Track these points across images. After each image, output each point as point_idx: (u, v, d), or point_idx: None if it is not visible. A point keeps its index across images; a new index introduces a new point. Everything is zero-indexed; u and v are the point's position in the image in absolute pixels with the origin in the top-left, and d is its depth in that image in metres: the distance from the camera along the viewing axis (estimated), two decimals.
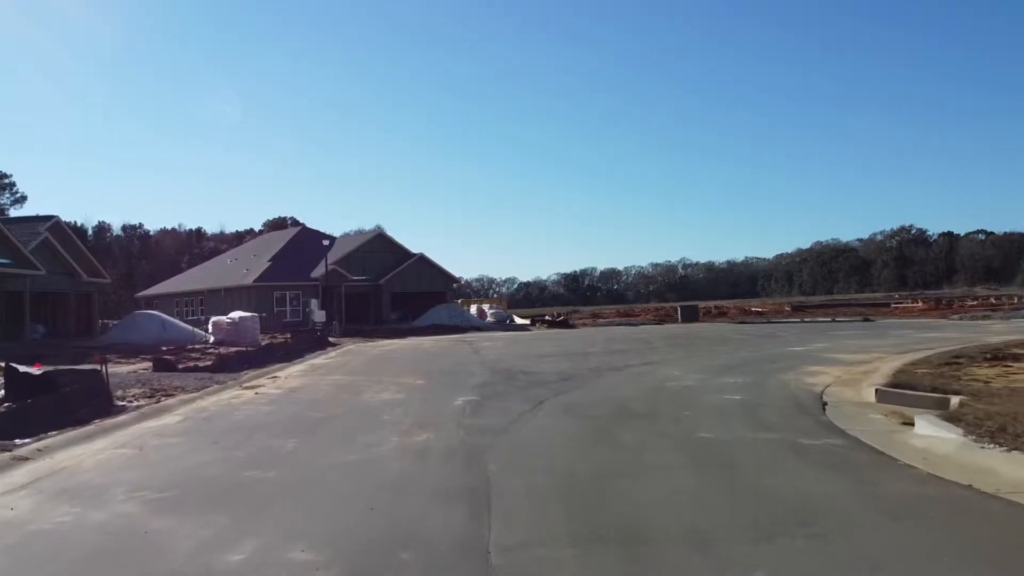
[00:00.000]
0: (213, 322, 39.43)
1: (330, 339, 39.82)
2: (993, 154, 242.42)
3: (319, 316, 46.19)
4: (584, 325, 56.66)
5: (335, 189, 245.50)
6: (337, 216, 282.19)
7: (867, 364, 18.84)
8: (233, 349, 31.53)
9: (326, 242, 46.88)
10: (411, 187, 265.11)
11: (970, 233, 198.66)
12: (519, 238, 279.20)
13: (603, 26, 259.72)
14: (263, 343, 35.43)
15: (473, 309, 62.90)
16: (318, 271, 51.39)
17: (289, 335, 38.60)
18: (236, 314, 39.05)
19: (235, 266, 62.45)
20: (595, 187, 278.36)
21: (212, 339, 38.75)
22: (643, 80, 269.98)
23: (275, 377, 20.40)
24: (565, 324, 55.39)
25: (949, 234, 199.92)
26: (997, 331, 31.26)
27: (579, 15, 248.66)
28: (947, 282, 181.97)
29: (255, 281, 53.83)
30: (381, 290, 59.34)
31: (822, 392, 14.08)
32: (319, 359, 27.54)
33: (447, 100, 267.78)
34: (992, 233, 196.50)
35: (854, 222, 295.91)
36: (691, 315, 57.81)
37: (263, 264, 56.58)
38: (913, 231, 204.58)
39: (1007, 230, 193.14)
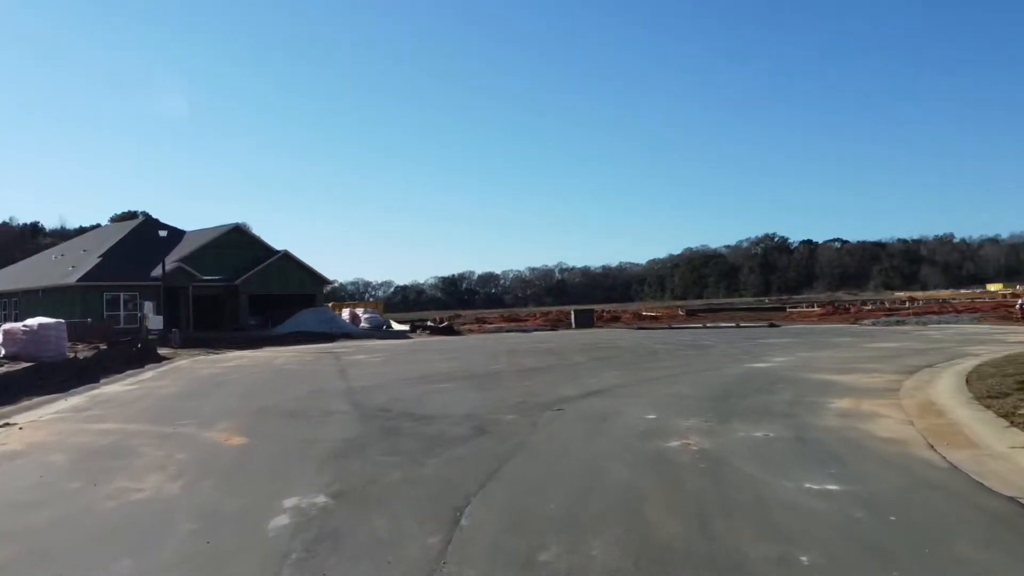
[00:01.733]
0: (4, 330, 30.14)
1: (161, 351, 31.29)
2: (846, 167, 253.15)
3: (154, 322, 37.29)
4: (471, 331, 49.77)
5: (200, 189, 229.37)
6: (204, 218, 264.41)
7: (912, 393, 12.94)
8: (21, 366, 23.20)
9: (164, 233, 37.80)
10: (282, 189, 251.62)
11: (828, 241, 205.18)
12: (396, 241, 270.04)
13: (462, 25, 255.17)
14: (71, 355, 26.92)
15: (346, 313, 54.85)
16: (161, 269, 42.26)
17: (104, 346, 29.83)
18: (34, 321, 29.85)
19: (60, 263, 51.81)
20: (472, 189, 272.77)
21: (3, 351, 29.57)
22: (518, 83, 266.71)
23: (6, 424, 12.39)
24: (450, 331, 48.34)
25: (809, 242, 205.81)
26: (953, 338, 26.72)
27: (440, 15, 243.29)
28: (807, 287, 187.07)
29: (80, 280, 43.88)
30: (238, 292, 50.36)
31: (966, 468, 7.63)
32: (119, 384, 19.47)
33: (316, 99, 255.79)
34: (847, 242, 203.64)
35: (722, 229, 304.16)
36: (586, 320, 51.96)
37: (92, 260, 46.55)
38: (776, 239, 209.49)
39: (860, 239, 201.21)
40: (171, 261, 46.53)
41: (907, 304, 59.85)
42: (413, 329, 50.04)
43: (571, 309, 60.78)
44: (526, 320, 61.47)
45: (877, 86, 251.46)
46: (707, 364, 20.33)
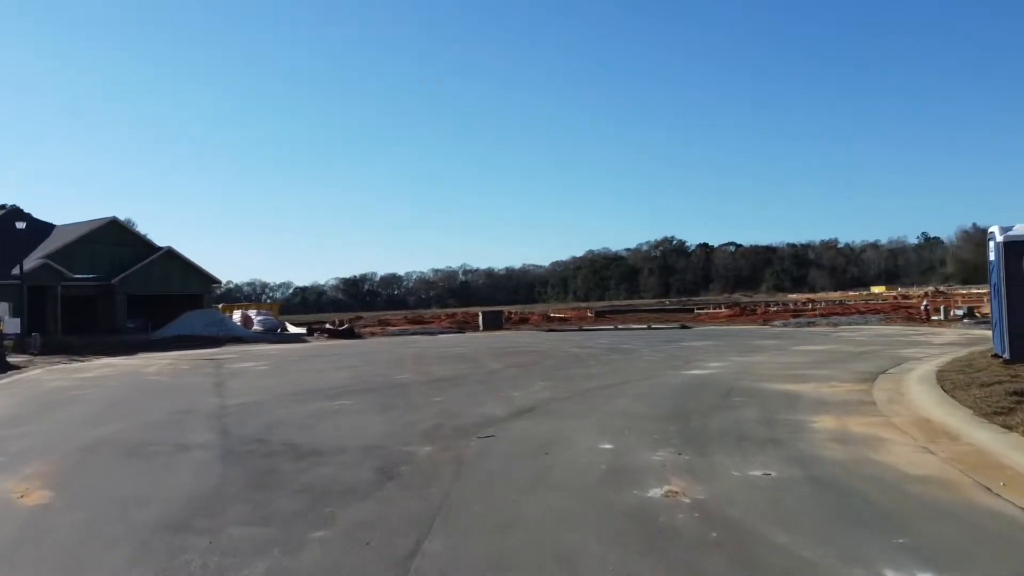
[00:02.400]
0: None
1: (14, 359, 27.00)
2: (740, 174, 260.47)
3: (10, 325, 32.57)
4: (373, 334, 46.50)
5: (81, 183, 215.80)
6: (84, 213, 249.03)
7: (893, 408, 10.94)
8: None
9: (22, 225, 33.03)
10: (172, 185, 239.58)
11: (723, 245, 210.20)
12: (295, 241, 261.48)
13: (336, 24, 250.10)
14: None
15: (237, 316, 50.63)
16: (27, 265, 37.27)
17: None
18: None
19: None
20: (373, 189, 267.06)
21: None
22: (419, 82, 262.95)
23: None
24: (350, 334, 44.95)
25: (705, 245, 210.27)
26: (876, 340, 25.55)
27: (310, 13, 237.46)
28: (704, 289, 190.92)
29: None
30: (115, 292, 45.48)
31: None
32: None
33: (209, 87, 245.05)
34: (741, 245, 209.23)
35: (623, 233, 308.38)
36: (495, 322, 49.51)
37: None
38: (675, 242, 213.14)
39: (753, 243, 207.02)
40: (37, 257, 41.49)
41: (809, 305, 60.14)
42: (310, 332, 46.37)
43: (479, 311, 58.28)
44: (431, 322, 58.56)
45: (764, 98, 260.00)
46: (640, 371, 18.12)
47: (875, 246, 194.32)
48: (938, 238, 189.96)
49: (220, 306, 57.74)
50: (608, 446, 8.68)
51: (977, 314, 40.97)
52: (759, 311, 53.96)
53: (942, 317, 39.56)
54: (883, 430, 9.39)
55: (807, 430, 9.43)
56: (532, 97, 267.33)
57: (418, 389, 15.25)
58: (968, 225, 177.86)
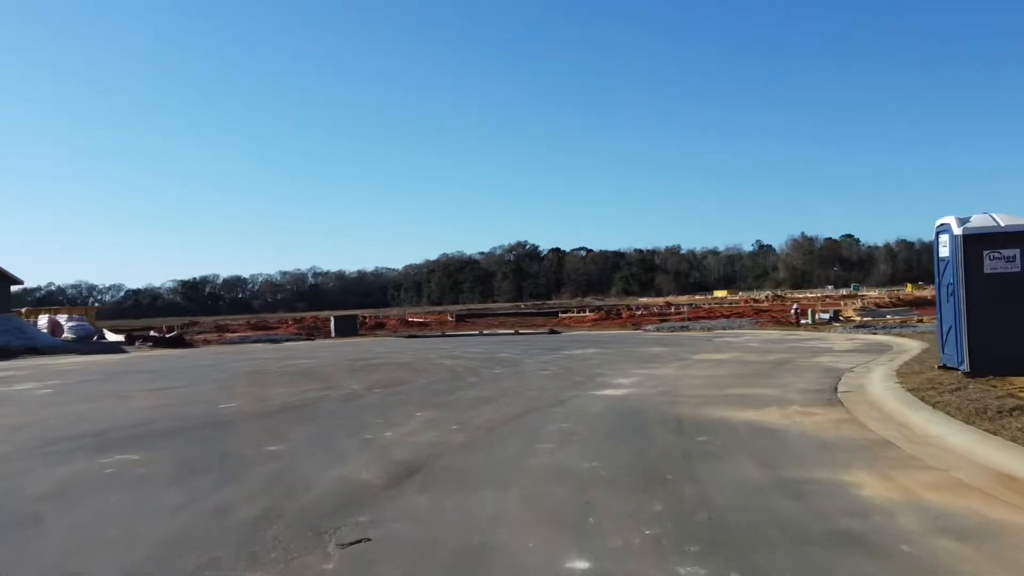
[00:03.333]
0: None
1: None
2: (591, 181, 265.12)
3: None
4: (208, 343, 40.41)
5: None
6: None
7: (933, 453, 7.69)
8: None
9: None
10: None
11: (574, 250, 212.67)
12: (129, 239, 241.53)
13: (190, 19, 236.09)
14: None
15: (43, 321, 42.90)
16: None
17: None
18: None
19: None
20: (216, 185, 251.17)
21: None
22: (263, 75, 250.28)
23: None
24: (179, 342, 38.72)
25: (557, 250, 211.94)
26: (770, 347, 23.19)
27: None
28: (556, 293, 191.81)
29: None
30: None
31: None
32: None
33: (18, 71, 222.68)
34: (591, 250, 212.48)
35: (477, 236, 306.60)
36: (349, 328, 44.55)
37: None
38: (527, 246, 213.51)
39: (602, 248, 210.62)
40: None
41: (672, 309, 59.05)
42: (131, 341, 39.63)
43: (330, 315, 52.98)
44: (277, 328, 52.63)
45: (610, 105, 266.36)
46: (542, 392, 14.38)
47: (715, 252, 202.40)
48: (771, 246, 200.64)
49: (23, 310, 49.34)
50: (582, 565, 4.75)
51: (841, 317, 40.40)
52: (624, 315, 51.98)
53: (810, 321, 38.59)
54: (964, 494, 6.04)
55: (868, 508, 5.88)
56: (384, 96, 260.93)
57: (246, 429, 10.68)
58: (797, 234, 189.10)
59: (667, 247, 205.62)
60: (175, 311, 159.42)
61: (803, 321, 38.25)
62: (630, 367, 18.84)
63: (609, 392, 14.01)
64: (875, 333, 28.54)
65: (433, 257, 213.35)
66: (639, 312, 52.64)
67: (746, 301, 76.48)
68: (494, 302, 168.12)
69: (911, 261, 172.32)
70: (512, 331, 43.04)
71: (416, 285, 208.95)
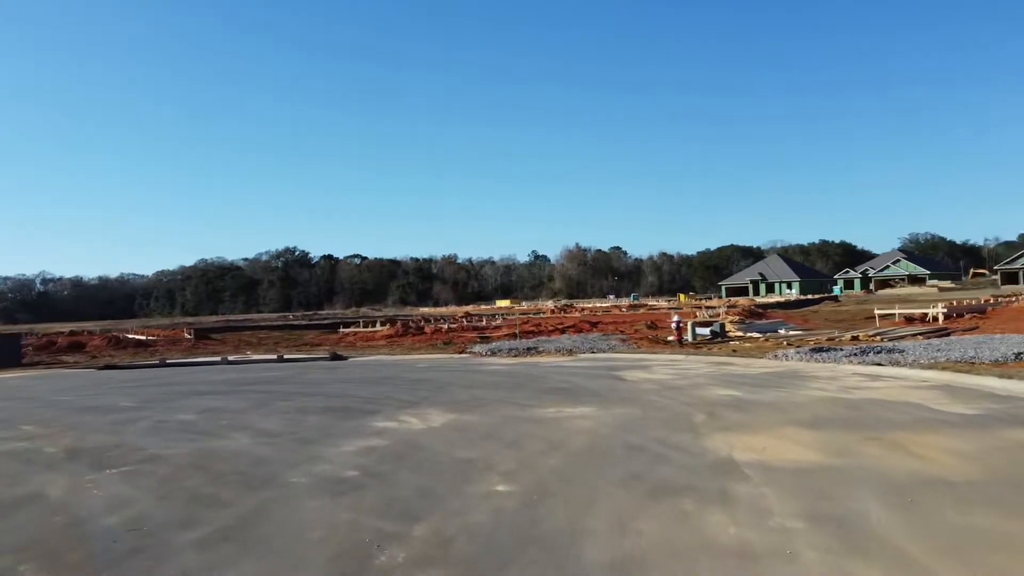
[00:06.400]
0: None
1: None
2: (364, 184, 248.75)
3: None
4: None
5: None
6: None
7: None
8: None
9: None
10: None
11: (348, 257, 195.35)
12: None
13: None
14: None
15: None
16: None
17: None
18: None
19: None
20: None
21: None
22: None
23: None
24: None
25: (330, 257, 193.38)
26: (696, 382, 11.50)
27: None
28: (328, 302, 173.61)
29: None
30: None
31: None
32: None
33: None
34: (366, 258, 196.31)
35: (241, 241, 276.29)
36: (8, 356, 27.24)
37: None
38: (297, 252, 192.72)
39: (378, 256, 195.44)
40: None
41: (484, 321, 46.63)
42: None
43: None
44: None
45: (380, 114, 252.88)
46: None
47: (492, 262, 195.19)
48: (546, 256, 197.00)
49: None
50: None
51: (730, 333, 30.13)
52: (428, 330, 38.66)
53: (689, 338, 27.85)
54: None
55: None
56: (134, 80, 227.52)
57: None
58: (572, 245, 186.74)
59: (444, 256, 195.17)
60: None
61: (685, 339, 27.37)
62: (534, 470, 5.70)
63: None
64: (880, 364, 17.77)
65: (190, 263, 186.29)
66: (445, 326, 39.73)
67: (552, 311, 66.46)
68: (259, 312, 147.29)
69: (673, 273, 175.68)
70: (274, 356, 28.26)
71: (169, 294, 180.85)
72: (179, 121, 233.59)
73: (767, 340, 26.60)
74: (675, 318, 28.59)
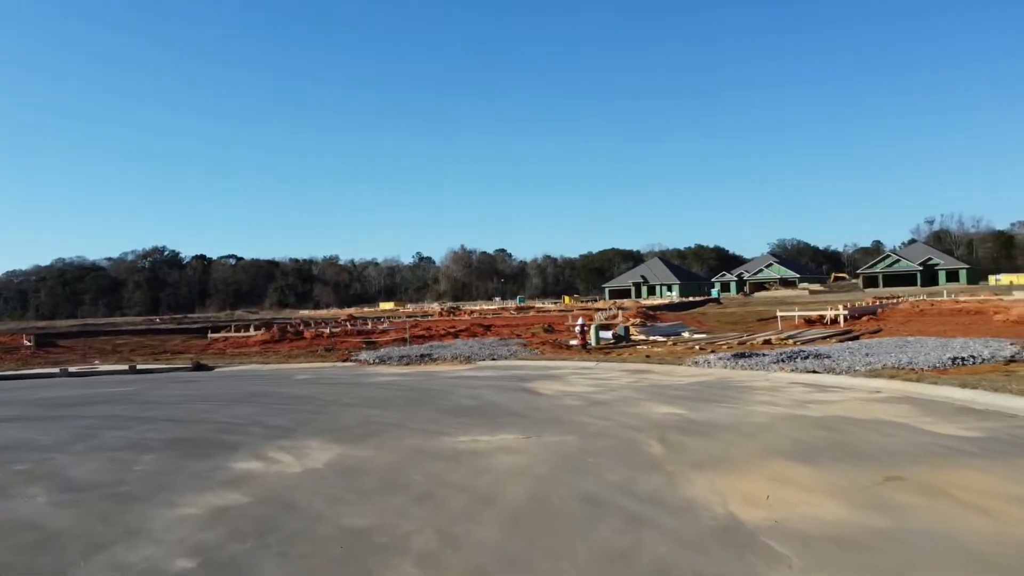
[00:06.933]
0: None
1: None
2: (241, 181, 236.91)
3: None
4: None
5: None
6: None
7: None
8: None
9: None
10: None
11: (222, 257, 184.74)
12: None
13: None
14: None
15: None
16: None
17: None
18: None
19: None
20: None
21: None
22: None
23: None
24: None
25: (203, 257, 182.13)
26: (631, 396, 9.39)
27: None
28: (201, 305, 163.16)
29: None
30: None
31: None
32: None
33: None
34: (242, 259, 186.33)
35: (103, 239, 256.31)
36: None
37: None
38: (167, 252, 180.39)
39: (254, 256, 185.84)
40: None
41: (369, 324, 43.07)
42: None
43: None
44: None
45: (239, 116, 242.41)
46: None
47: (375, 264, 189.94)
48: (431, 258, 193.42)
49: None
50: None
51: (633, 336, 28.37)
52: (308, 334, 34.99)
53: (593, 342, 25.89)
54: None
55: None
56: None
57: None
58: (457, 247, 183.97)
59: (325, 257, 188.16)
60: None
61: (588, 343, 25.33)
62: None
63: None
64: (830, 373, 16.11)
65: (46, 263, 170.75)
66: (327, 330, 36.06)
67: (441, 313, 63.58)
68: (123, 316, 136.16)
69: (557, 275, 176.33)
70: (125, 367, 24.10)
71: (20, 295, 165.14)
72: (39, 117, 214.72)
73: (675, 344, 24.96)
74: (579, 321, 26.53)
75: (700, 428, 10.11)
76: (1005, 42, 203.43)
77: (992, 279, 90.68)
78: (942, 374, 14.22)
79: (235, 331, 38.61)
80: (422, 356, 23.11)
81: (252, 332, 37.25)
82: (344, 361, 24.09)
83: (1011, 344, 18.38)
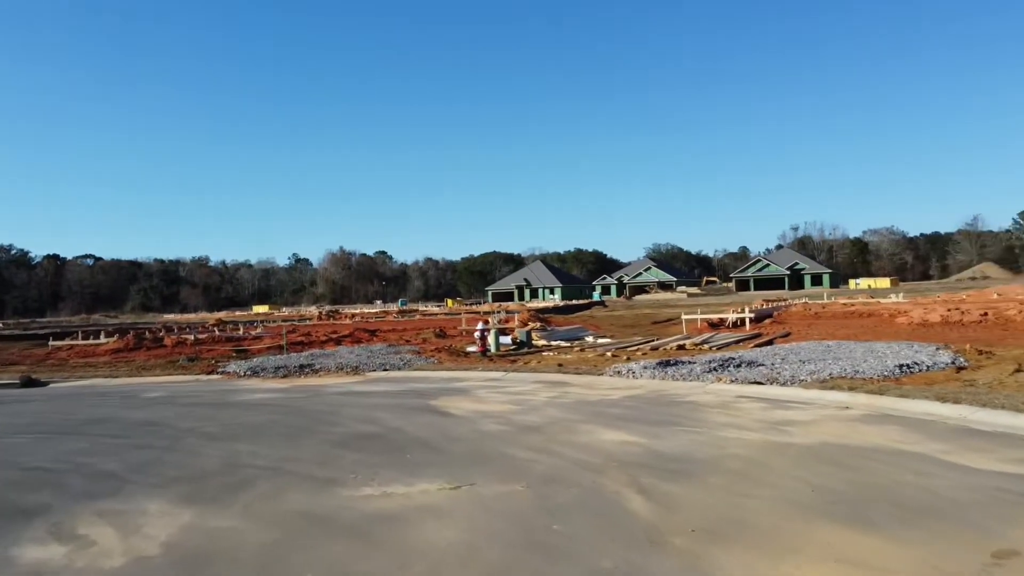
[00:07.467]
0: None
1: None
2: (97, 177, 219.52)
3: None
4: None
5: None
6: None
7: None
8: None
9: None
10: None
11: (78, 257, 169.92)
12: None
13: None
14: None
15: None
16: None
17: None
18: None
19: None
20: None
21: None
22: None
23: None
24: None
25: (56, 257, 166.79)
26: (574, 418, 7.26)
27: None
28: (53, 309, 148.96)
29: None
30: None
31: None
32: None
33: None
34: (100, 259, 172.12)
35: None
36: None
37: None
38: (13, 251, 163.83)
39: (115, 256, 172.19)
40: None
41: (241, 330, 38.65)
42: None
43: None
44: None
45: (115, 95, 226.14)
46: None
47: (249, 266, 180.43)
48: (308, 260, 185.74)
49: None
50: None
51: (537, 342, 26.14)
52: (169, 341, 30.61)
53: (493, 348, 23.48)
54: None
55: None
56: None
57: None
58: (336, 249, 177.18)
59: (194, 258, 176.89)
60: None
61: (488, 350, 22.87)
62: None
63: None
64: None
65: None
66: (192, 336, 31.60)
67: (320, 317, 59.32)
68: None
69: (439, 278, 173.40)
70: None
71: None
72: None
73: (583, 350, 22.93)
74: (479, 325, 24.00)
75: (674, 465, 7.84)
76: (873, 48, 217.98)
77: (852, 283, 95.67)
78: (899, 384, 12.73)
79: (83, 338, 33.48)
80: (302, 367, 19.89)
81: (103, 339, 32.32)
82: (210, 373, 20.46)
83: (938, 349, 17.42)
